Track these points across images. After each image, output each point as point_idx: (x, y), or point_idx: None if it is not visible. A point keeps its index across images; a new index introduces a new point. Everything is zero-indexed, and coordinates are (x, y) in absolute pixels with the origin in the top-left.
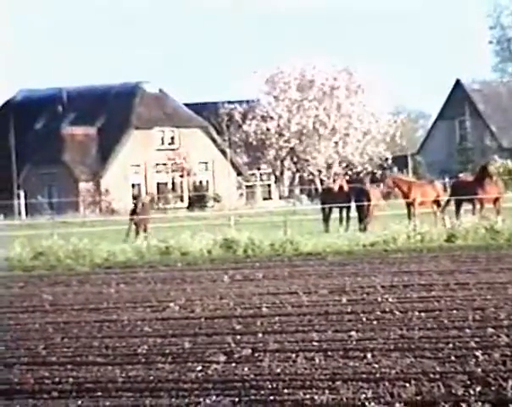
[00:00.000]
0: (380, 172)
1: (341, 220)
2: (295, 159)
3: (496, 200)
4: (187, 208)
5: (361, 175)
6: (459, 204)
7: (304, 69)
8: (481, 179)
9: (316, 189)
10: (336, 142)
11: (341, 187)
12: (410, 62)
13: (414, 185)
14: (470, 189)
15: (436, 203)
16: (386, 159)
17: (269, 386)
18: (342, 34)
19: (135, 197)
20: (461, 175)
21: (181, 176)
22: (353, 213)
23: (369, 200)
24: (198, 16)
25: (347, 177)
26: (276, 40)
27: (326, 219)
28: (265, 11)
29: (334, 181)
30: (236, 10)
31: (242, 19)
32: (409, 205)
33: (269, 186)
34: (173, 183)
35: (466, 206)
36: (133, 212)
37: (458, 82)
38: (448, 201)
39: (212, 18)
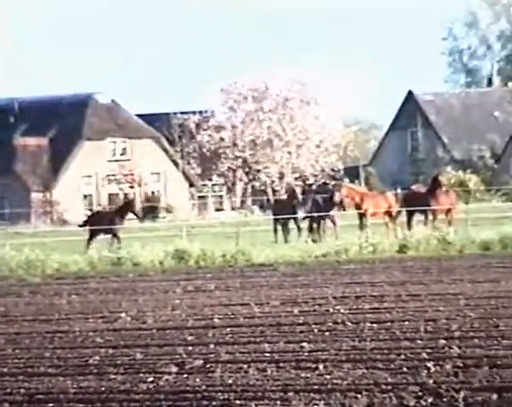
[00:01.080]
0: (332, 183)
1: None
2: (247, 170)
3: (448, 211)
4: (139, 218)
5: (313, 186)
6: (411, 215)
7: (259, 80)
8: (433, 190)
9: (268, 200)
10: (290, 153)
11: (292, 197)
12: (363, 73)
13: (366, 196)
14: (422, 200)
15: (388, 214)
16: (338, 170)
17: (221, 397)
18: (295, 46)
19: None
20: (413, 186)
21: (132, 187)
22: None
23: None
24: (152, 26)
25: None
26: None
27: (277, 229)
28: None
29: (293, 191)
30: (196, 22)
31: (198, 29)
32: (361, 216)
33: (221, 197)
34: (124, 194)
35: (419, 217)
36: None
37: (410, 93)
38: (399, 212)
39: (166, 27)
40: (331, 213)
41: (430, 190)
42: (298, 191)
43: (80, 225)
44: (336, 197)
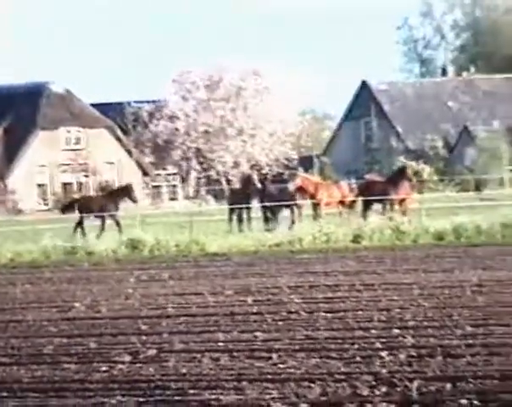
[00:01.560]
0: (286, 172)
1: (249, 219)
2: (201, 159)
3: (402, 201)
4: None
5: (267, 175)
6: (367, 205)
7: (212, 69)
8: (394, 180)
9: (222, 189)
10: (244, 142)
11: (247, 186)
12: (317, 63)
13: (320, 185)
14: (382, 190)
15: (342, 203)
16: (293, 160)
17: (175, 386)
18: (250, 35)
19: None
20: (367, 175)
21: (87, 176)
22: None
23: (294, 200)
24: (106, 15)
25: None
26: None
27: (232, 219)
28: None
29: (249, 179)
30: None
31: (150, 20)
32: (316, 206)
33: (174, 186)
34: (79, 183)
35: (377, 207)
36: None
37: (364, 83)
38: (354, 201)
39: (119, 19)
40: (299, 202)
41: (390, 180)
42: (256, 177)
43: (62, 209)
44: (291, 187)
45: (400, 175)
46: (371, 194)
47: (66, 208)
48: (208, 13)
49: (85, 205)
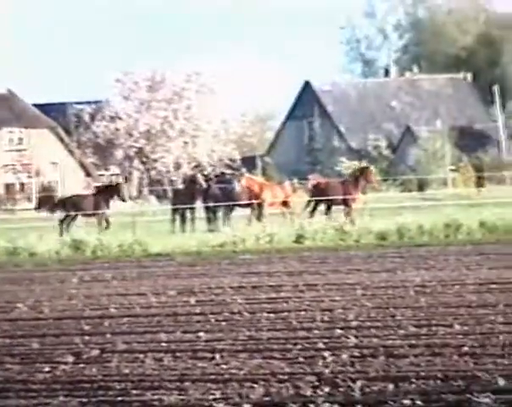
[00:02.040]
0: (229, 173)
1: (191, 220)
2: (144, 160)
3: (346, 201)
4: (36, 209)
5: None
6: (316, 205)
7: (154, 70)
8: (353, 180)
9: (165, 190)
10: (186, 142)
11: (191, 187)
12: (260, 63)
13: (264, 186)
14: (338, 190)
15: (286, 204)
16: (235, 160)
17: (118, 386)
18: (194, 35)
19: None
20: (310, 176)
21: (30, 177)
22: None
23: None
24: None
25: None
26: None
27: (175, 219)
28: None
29: (194, 179)
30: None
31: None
32: (259, 206)
33: None
34: (22, 184)
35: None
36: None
37: (307, 83)
38: (310, 201)
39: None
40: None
41: (350, 180)
42: (200, 177)
43: (51, 208)
44: (237, 188)
45: (363, 175)
46: (328, 194)
47: (55, 206)
48: (148, 14)
49: (76, 203)
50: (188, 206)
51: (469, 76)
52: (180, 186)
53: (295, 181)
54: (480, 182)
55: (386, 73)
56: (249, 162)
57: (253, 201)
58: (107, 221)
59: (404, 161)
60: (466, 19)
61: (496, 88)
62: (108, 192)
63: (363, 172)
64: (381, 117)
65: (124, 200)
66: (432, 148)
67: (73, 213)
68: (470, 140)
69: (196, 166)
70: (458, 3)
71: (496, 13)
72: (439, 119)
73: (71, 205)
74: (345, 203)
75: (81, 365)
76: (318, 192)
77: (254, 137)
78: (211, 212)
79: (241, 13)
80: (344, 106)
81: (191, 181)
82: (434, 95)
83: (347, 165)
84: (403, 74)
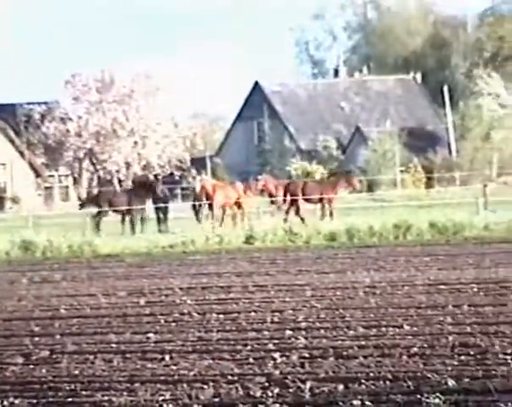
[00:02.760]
0: (179, 174)
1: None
2: (94, 160)
3: (293, 202)
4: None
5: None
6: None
7: (104, 72)
8: (332, 181)
9: (115, 191)
10: (136, 142)
11: (141, 188)
12: (209, 63)
13: (217, 187)
14: (316, 190)
15: (238, 204)
16: (185, 161)
17: (68, 387)
18: (141, 35)
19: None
20: (260, 177)
21: None
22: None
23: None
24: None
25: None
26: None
27: (125, 220)
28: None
29: (145, 181)
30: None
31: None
32: (210, 207)
33: (67, 187)
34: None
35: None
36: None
37: (256, 84)
38: (285, 201)
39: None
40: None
41: (329, 182)
42: (151, 178)
43: (81, 205)
44: (197, 188)
45: (347, 178)
46: (303, 195)
47: (83, 204)
48: (96, 15)
49: (108, 200)
50: (139, 207)
51: (418, 77)
52: (130, 187)
53: (251, 180)
54: (429, 183)
55: (336, 74)
56: (199, 163)
57: (205, 201)
58: (142, 220)
59: (354, 162)
60: (415, 21)
61: (445, 89)
62: (144, 189)
63: (346, 176)
64: (331, 118)
65: (159, 198)
66: (382, 149)
67: (106, 209)
68: (419, 141)
69: (145, 166)
70: (406, 5)
71: (444, 14)
72: (389, 120)
73: (104, 201)
74: (322, 202)
75: (31, 366)
76: (302, 192)
77: (204, 138)
78: (161, 212)
79: (188, 12)
80: (294, 107)
81: (141, 182)
82: (383, 96)
83: (296, 166)
84: (352, 75)
